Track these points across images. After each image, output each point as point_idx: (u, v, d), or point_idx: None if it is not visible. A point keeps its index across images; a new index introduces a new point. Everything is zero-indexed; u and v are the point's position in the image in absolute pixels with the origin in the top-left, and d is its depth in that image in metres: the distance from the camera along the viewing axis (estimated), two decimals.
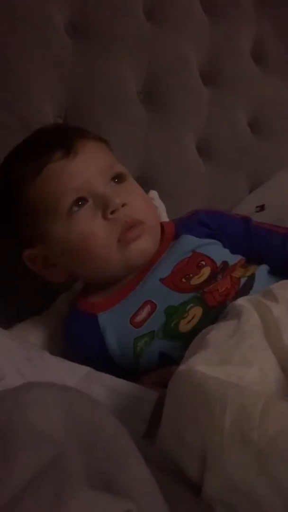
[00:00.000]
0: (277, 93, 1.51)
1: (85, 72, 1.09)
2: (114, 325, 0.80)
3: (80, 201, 0.78)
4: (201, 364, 0.52)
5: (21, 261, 0.84)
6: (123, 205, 0.78)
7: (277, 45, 1.53)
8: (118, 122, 1.13)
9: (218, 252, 0.82)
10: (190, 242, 0.83)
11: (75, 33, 1.09)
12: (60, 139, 0.81)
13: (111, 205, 0.77)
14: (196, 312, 0.75)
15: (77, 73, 1.08)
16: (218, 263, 0.80)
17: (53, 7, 1.06)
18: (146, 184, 1.10)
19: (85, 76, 1.09)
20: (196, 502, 0.48)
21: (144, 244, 0.80)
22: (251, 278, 0.78)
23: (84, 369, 0.69)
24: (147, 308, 0.78)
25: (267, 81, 1.48)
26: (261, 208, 1.19)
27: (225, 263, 0.81)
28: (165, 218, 1.06)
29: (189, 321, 0.75)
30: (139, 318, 0.78)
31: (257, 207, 1.20)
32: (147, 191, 1.05)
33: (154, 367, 0.75)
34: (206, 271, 0.79)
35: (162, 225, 0.87)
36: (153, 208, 0.89)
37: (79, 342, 0.82)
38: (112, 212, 0.77)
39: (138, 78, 1.19)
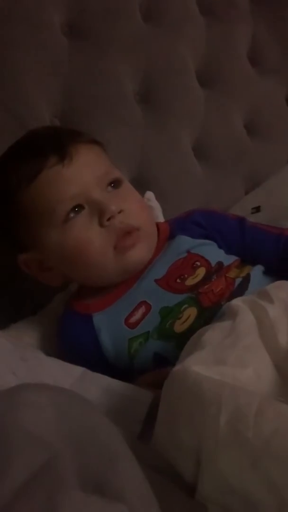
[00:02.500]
0: (273, 95, 1.51)
1: (82, 73, 1.09)
2: (109, 325, 0.80)
3: (77, 208, 0.77)
4: (197, 364, 0.52)
5: (18, 263, 0.84)
6: (119, 212, 0.77)
7: (273, 47, 1.53)
8: (114, 123, 1.13)
9: (213, 252, 0.82)
10: (185, 242, 0.83)
11: (72, 34, 1.09)
12: (54, 143, 0.79)
13: (107, 212, 0.76)
14: (190, 312, 0.75)
15: (73, 73, 1.07)
16: (213, 264, 0.80)
17: (50, 8, 1.06)
18: (142, 185, 1.10)
19: (82, 77, 1.09)
20: (191, 503, 0.48)
21: (141, 252, 0.79)
22: (246, 279, 0.78)
23: (79, 370, 0.69)
24: (142, 309, 0.78)
25: (263, 83, 1.48)
26: (257, 209, 1.19)
27: (220, 263, 0.81)
28: (161, 219, 1.06)
29: (184, 321, 0.75)
30: (134, 319, 0.78)
31: (252, 208, 1.20)
32: (143, 192, 1.05)
33: (149, 367, 0.75)
34: (201, 272, 0.79)
35: (157, 225, 0.86)
36: (150, 213, 0.89)
37: (74, 343, 0.82)
38: (108, 219, 0.77)
39: (134, 79, 1.19)
